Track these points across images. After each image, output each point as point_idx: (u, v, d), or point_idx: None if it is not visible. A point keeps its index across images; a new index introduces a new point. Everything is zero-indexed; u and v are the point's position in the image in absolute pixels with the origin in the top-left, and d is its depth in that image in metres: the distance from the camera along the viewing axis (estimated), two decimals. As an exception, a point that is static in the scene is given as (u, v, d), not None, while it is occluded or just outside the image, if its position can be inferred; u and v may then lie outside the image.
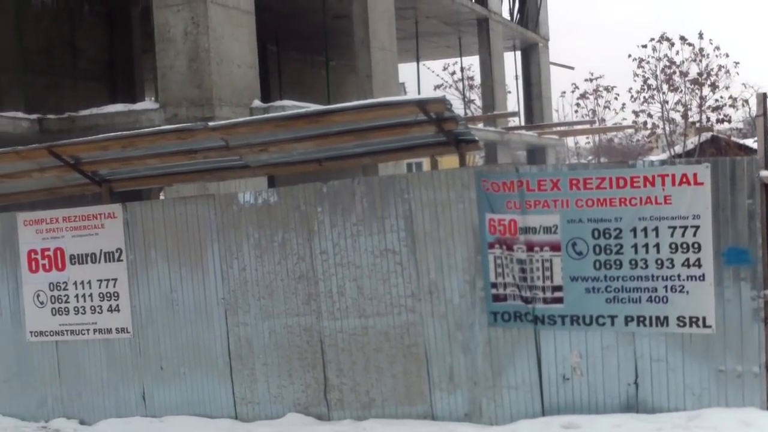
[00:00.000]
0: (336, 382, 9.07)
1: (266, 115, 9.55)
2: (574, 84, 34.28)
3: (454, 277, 8.63)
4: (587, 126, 32.78)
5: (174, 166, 9.86)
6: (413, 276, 8.77)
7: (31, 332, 10.34)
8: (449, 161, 10.71)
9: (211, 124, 8.87)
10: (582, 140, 39.39)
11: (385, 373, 8.90)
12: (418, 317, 8.76)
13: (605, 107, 33.44)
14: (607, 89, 32.95)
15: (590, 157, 39.36)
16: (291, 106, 14.09)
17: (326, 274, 9.05)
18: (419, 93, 26.65)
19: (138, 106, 14.46)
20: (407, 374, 8.83)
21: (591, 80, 33.06)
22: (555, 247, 8.21)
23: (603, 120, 34.38)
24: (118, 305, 9.91)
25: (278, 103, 14.63)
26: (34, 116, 14.33)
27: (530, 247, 8.25)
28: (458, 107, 35.44)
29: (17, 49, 16.59)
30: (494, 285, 8.43)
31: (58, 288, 10.17)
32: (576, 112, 35.84)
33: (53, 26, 18.77)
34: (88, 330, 10.07)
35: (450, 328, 8.66)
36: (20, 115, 14.20)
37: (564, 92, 43.86)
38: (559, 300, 8.23)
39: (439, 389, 8.73)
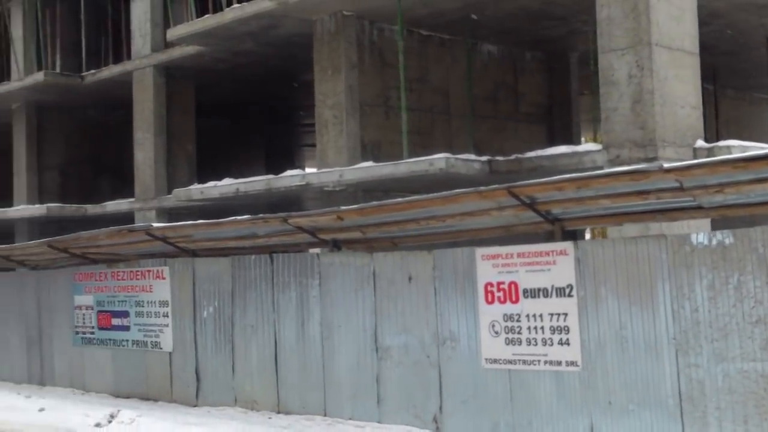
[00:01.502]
0: (797, 434, 8.68)
1: (724, 157, 9.46)
2: None
3: None
4: None
5: (625, 206, 10.10)
6: None
7: (485, 359, 11.09)
8: None
9: (666, 165, 8.99)
10: None
11: None
12: None
13: None
14: None
15: None
16: (737, 146, 13.71)
17: (786, 320, 8.73)
18: None
19: (581, 147, 14.92)
20: None
21: None
22: None
23: None
24: (568, 339, 10.31)
25: (723, 143, 14.27)
26: (484, 158, 15.37)
27: None
28: None
29: (468, 96, 17.94)
30: None
31: (512, 319, 10.82)
32: None
33: (498, 74, 20.03)
34: (538, 361, 10.58)
35: None
36: (472, 157, 15.30)
37: None
38: None
39: None
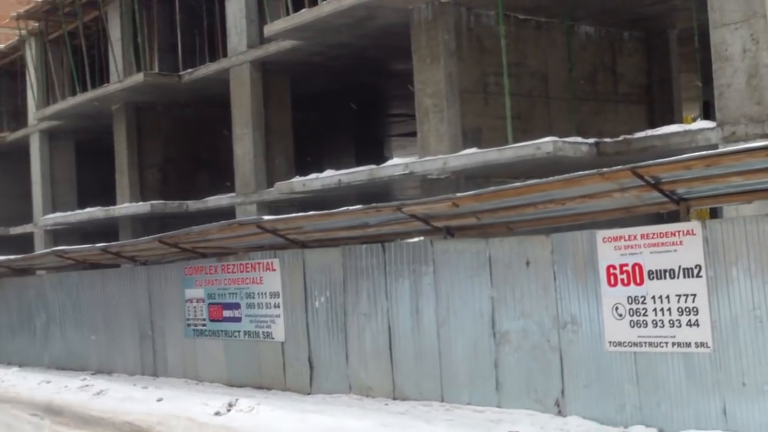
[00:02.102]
0: None
1: None
2: None
3: None
4: None
5: (757, 183, 9.90)
6: None
7: (609, 342, 11.00)
8: None
9: (802, 139, 8.81)
10: None
11: None
12: None
13: None
14: None
15: None
16: None
17: None
18: None
19: (693, 126, 14.65)
20: None
21: None
22: None
23: None
24: (697, 320, 10.15)
25: (841, 115, 13.86)
26: (591, 140, 15.21)
27: None
28: None
29: (568, 79, 17.77)
30: None
31: (636, 301, 10.70)
32: None
33: (596, 55, 19.81)
34: (666, 343, 10.44)
35: None
36: (579, 140, 15.16)
37: None
38: None
39: None
